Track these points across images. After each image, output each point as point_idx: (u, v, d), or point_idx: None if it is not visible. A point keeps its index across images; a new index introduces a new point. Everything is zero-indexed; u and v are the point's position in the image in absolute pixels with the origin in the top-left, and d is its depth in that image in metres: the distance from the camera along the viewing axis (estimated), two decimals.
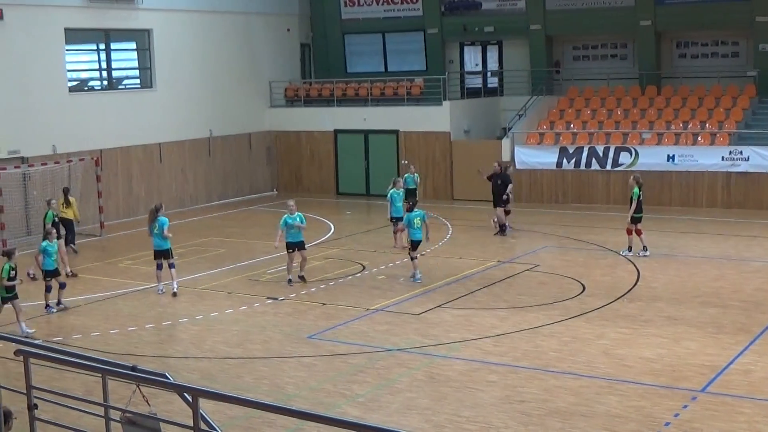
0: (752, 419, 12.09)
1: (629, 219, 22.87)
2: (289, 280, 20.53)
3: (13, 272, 17.05)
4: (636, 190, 22.84)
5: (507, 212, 26.33)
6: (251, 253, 24.07)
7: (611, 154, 31.40)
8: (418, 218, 21.00)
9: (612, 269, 21.60)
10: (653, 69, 34.98)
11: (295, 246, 20.51)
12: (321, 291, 19.96)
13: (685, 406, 12.59)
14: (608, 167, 31.28)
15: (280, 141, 36.66)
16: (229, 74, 34.58)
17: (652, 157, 30.74)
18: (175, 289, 19.83)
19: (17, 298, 17.21)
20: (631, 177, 23.71)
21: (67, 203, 24.46)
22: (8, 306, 17.17)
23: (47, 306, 18.81)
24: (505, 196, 26.00)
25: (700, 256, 22.74)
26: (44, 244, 18.61)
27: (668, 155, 30.66)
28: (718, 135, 31.01)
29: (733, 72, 34.34)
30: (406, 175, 27.38)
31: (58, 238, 20.39)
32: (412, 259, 20.97)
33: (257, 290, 20.20)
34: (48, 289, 18.82)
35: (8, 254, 17.38)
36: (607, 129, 32.83)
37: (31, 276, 21.03)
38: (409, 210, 21.24)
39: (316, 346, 16.00)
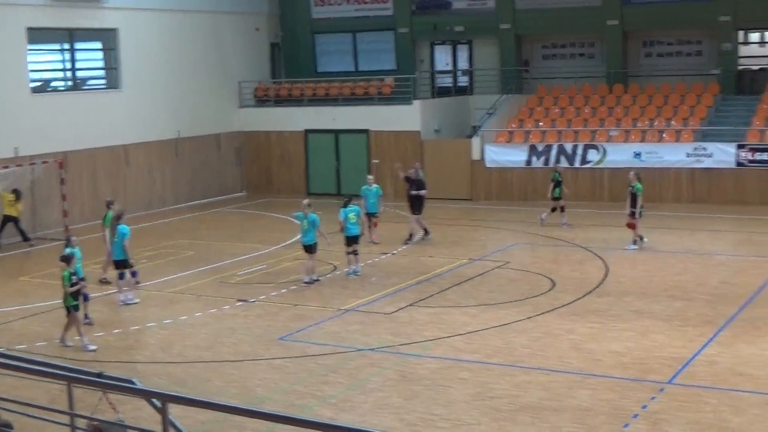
0: (718, 409, 12.29)
1: (636, 214, 23.01)
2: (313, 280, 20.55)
3: (74, 277, 16.46)
4: (639, 185, 23.08)
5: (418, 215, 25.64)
6: (220, 256, 24.01)
7: (579, 152, 31.66)
8: (353, 213, 21.25)
9: (581, 265, 21.80)
10: (620, 68, 35.29)
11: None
12: (292, 292, 20.00)
13: (653, 398, 12.78)
14: (577, 165, 31.51)
15: (250, 141, 36.60)
16: (197, 74, 34.45)
17: (619, 155, 31.04)
18: (132, 301, 19.50)
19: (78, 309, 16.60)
20: (632, 172, 23.86)
21: (16, 200, 25.38)
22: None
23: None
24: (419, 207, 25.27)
25: (666, 250, 23.00)
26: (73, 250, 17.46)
27: (635, 152, 30.97)
28: (682, 132, 31.37)
29: (697, 70, 34.76)
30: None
31: None
32: (347, 254, 21.11)
33: (227, 293, 20.14)
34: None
35: (66, 260, 16.64)
36: (576, 127, 33.09)
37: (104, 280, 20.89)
38: (344, 206, 21.40)
39: (287, 347, 16.04)
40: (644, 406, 12.47)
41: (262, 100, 37.39)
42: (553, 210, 26.53)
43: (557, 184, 26.66)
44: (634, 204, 22.96)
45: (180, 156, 33.82)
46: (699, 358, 14.48)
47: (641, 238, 23.15)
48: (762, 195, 29.36)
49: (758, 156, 29.64)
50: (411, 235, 24.99)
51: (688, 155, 30.39)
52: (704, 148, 30.24)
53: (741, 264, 21.59)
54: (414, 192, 25.00)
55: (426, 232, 25.17)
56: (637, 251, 22.87)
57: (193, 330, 17.39)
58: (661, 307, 17.71)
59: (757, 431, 11.53)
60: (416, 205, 24.99)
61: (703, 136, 31.07)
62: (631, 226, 23.18)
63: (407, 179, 25.50)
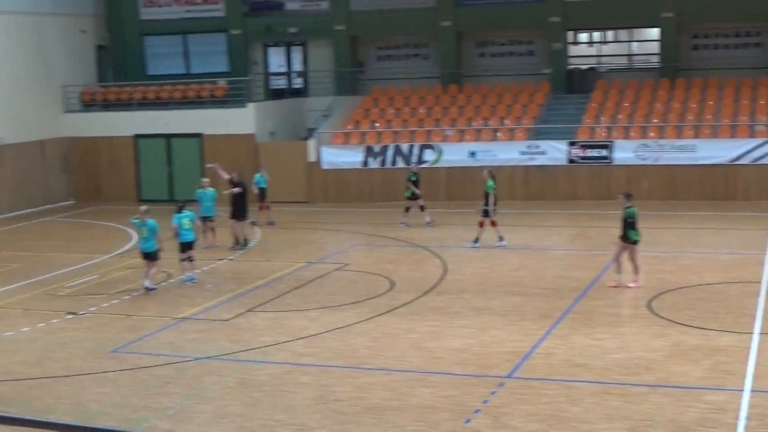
0: (555, 400, 12.44)
1: (484, 212, 23.23)
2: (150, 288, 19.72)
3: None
4: (490, 183, 23.23)
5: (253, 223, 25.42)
6: (48, 267, 22.88)
7: (416, 152, 31.89)
8: (187, 219, 20.68)
9: (420, 264, 21.87)
10: (454, 68, 35.79)
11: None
12: (125, 302, 19.22)
13: (494, 393, 12.83)
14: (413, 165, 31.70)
15: (77, 148, 35.21)
16: (18, 78, 32.86)
17: (455, 154, 31.45)
18: None
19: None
20: (485, 170, 24.04)
21: None
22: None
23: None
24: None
25: (504, 247, 23.32)
26: None
27: (470, 151, 31.46)
28: (516, 131, 32.05)
29: (529, 70, 35.64)
30: (257, 174, 27.48)
31: None
32: (181, 261, 20.54)
33: (56, 305, 19.15)
34: None
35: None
36: (411, 127, 33.33)
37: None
38: (178, 211, 20.78)
39: (120, 359, 15.34)
40: (485, 401, 12.50)
41: (88, 104, 36.04)
42: (407, 210, 26.63)
43: (413, 183, 26.67)
44: (488, 202, 23.21)
45: (2, 164, 32.19)
46: (537, 351, 14.66)
47: (501, 239, 23.33)
48: (593, 191, 30.31)
49: (589, 153, 30.58)
50: (237, 241, 24.26)
51: (522, 153, 31.07)
52: (537, 146, 30.99)
53: (575, 258, 22.13)
54: (236, 191, 24.34)
55: (243, 241, 24.29)
56: (477, 249, 23.10)
57: (20, 346, 16.42)
58: (499, 302, 17.90)
59: (594, 419, 11.70)
60: (239, 209, 24.33)
61: (536, 135, 31.84)
62: (481, 224, 23.40)
63: (232, 182, 24.79)
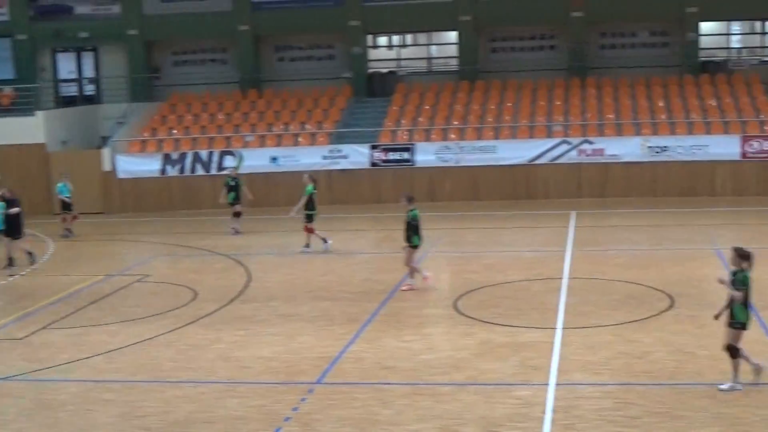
0: (367, 403, 12.35)
1: (308, 217, 22.96)
2: None
3: None
4: (309, 187, 22.93)
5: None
6: None
7: (216, 159, 31.34)
8: None
9: (224, 273, 21.42)
10: (253, 73, 35.42)
11: None
12: None
13: (304, 399, 12.62)
14: (213, 171, 31.18)
15: None
16: None
17: (256, 159, 31.07)
18: None
19: None
20: (305, 175, 23.72)
21: None
22: None
23: None
24: None
25: (311, 252, 23.15)
26: None
27: (272, 157, 31.20)
28: (318, 135, 32.00)
29: (329, 74, 35.73)
30: (59, 184, 26.67)
31: None
32: None
33: None
34: None
35: None
36: (210, 134, 32.73)
37: None
38: None
39: None
40: (295, 408, 12.27)
41: None
42: (235, 215, 26.06)
43: (231, 188, 26.19)
44: (310, 206, 23.00)
45: None
46: (346, 356, 14.55)
47: (325, 240, 23.13)
48: (396, 193, 30.49)
49: (391, 156, 30.90)
50: (10, 262, 22.39)
51: (325, 157, 31.06)
52: (339, 150, 31.06)
53: (382, 261, 22.18)
54: (13, 211, 22.45)
55: (10, 262, 22.47)
56: (280, 256, 22.88)
57: None
58: (307, 308, 17.70)
59: (405, 420, 11.67)
60: (14, 227, 22.46)
61: (338, 139, 31.90)
62: (310, 230, 23.17)
63: (5, 200, 22.68)
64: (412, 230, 18.48)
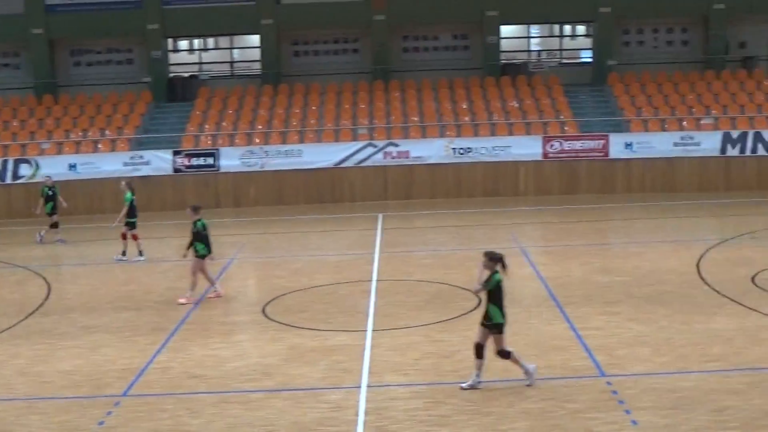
0: (175, 414, 12.07)
1: (129, 224, 22.40)
2: None
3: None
4: (128, 195, 22.32)
5: None
6: None
7: (10, 167, 30.00)
8: None
9: (21, 286, 20.49)
10: (49, 77, 34.11)
11: None
12: None
13: (110, 413, 12.19)
14: (8, 181, 29.83)
15: None
16: None
17: (54, 167, 29.89)
18: None
19: None
20: (123, 182, 23.00)
21: None
22: None
23: None
24: None
25: (108, 262, 22.49)
26: None
27: (70, 164, 30.15)
28: (118, 141, 31.12)
29: (128, 79, 34.86)
30: None
31: None
32: None
33: None
34: None
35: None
36: (5, 141, 31.29)
37: None
38: None
39: None
40: (101, 422, 11.84)
41: None
42: (53, 226, 24.91)
43: (49, 198, 25.03)
44: (130, 214, 22.41)
45: None
46: (152, 366, 14.16)
47: (140, 253, 22.51)
48: (200, 199, 29.93)
49: (194, 161, 30.40)
50: None
51: (126, 164, 30.26)
52: (141, 156, 30.33)
53: (186, 269, 21.47)
54: None
55: None
56: (79, 266, 22.09)
57: None
58: (109, 319, 17.14)
59: (215, 430, 11.48)
60: None
61: (139, 145, 31.12)
62: (134, 237, 22.59)
63: None
64: (201, 240, 18.11)
